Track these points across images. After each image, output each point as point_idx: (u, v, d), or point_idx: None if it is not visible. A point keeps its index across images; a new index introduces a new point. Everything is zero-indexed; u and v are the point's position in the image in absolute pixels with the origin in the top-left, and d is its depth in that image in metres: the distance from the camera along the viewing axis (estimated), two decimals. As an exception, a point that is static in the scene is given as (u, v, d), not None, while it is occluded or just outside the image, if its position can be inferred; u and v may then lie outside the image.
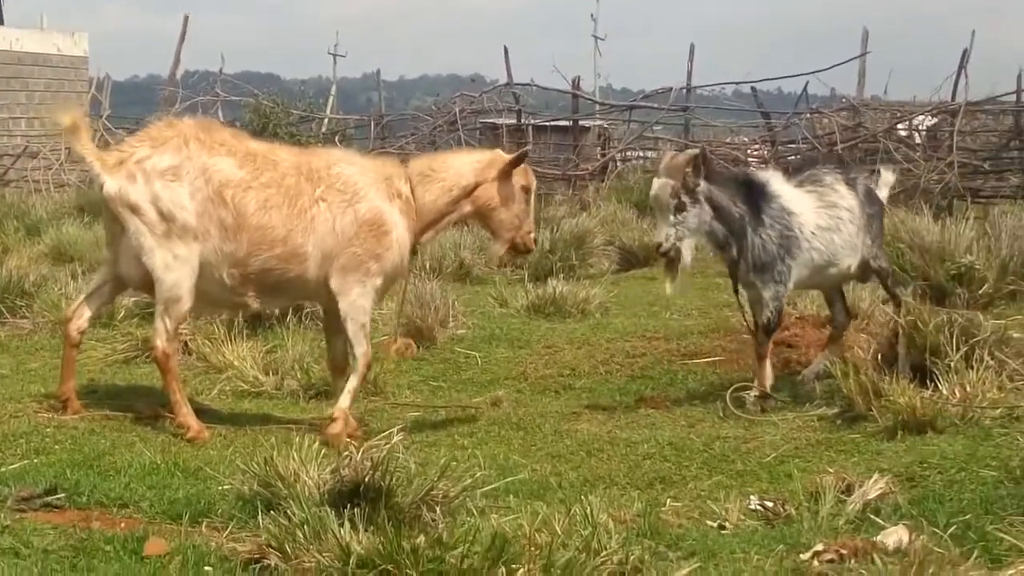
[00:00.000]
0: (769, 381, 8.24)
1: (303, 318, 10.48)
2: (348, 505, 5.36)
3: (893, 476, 6.20)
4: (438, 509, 5.62)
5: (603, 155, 27.10)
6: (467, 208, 8.11)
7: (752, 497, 6.24)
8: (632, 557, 5.01)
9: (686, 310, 11.75)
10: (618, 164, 26.47)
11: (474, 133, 26.76)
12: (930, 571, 4.74)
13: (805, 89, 26.20)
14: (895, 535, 5.28)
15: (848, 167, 9.21)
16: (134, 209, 7.43)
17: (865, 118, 24.01)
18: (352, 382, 7.78)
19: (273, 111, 27.13)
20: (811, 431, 7.53)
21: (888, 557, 5.07)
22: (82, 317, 7.89)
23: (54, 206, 20.44)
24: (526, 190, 8.19)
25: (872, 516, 5.69)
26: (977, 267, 10.67)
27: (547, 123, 27.76)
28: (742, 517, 5.99)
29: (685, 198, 8.03)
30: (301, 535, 5.07)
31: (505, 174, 8.04)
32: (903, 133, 24.11)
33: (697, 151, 8.32)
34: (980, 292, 10.49)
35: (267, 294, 7.80)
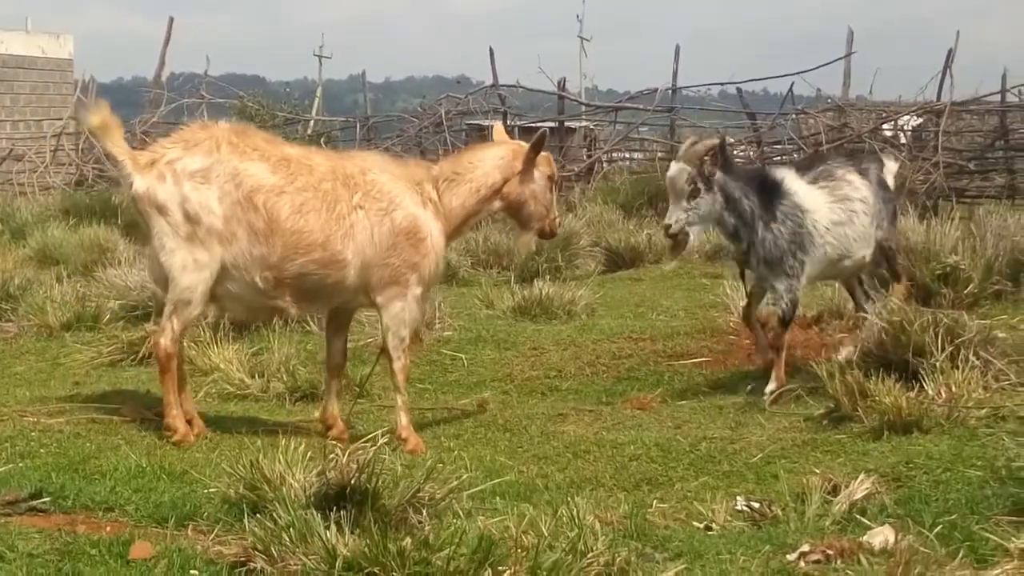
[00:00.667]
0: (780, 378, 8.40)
1: (289, 321, 10.47)
2: (334, 508, 5.34)
3: (879, 476, 6.21)
4: (424, 511, 5.60)
5: (589, 156, 27.10)
6: (496, 205, 8.12)
7: (739, 498, 6.24)
8: (619, 559, 5.00)
9: (672, 311, 11.76)
10: (604, 165, 26.47)
11: (460, 135, 26.76)
12: (916, 571, 4.76)
13: (791, 90, 26.21)
14: (881, 535, 5.28)
15: (859, 158, 9.30)
16: (161, 209, 7.39)
17: (851, 118, 24.03)
18: (398, 399, 7.74)
19: (258, 113, 27.12)
20: (797, 431, 7.53)
21: (874, 557, 5.08)
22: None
23: (39, 209, 20.43)
24: (551, 179, 8.20)
25: (858, 516, 5.70)
26: (962, 267, 10.66)
27: (533, 124, 27.75)
28: (728, 518, 5.99)
29: (700, 185, 8.24)
30: (287, 538, 5.05)
31: (530, 164, 8.03)
32: (888, 133, 24.13)
33: (717, 141, 8.46)
34: (965, 292, 10.49)
35: (304, 299, 7.69)
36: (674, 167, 8.34)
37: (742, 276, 8.87)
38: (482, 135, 26.50)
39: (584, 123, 29.26)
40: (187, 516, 5.87)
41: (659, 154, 26.32)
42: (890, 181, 9.21)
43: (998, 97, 23.99)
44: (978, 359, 7.61)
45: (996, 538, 5.01)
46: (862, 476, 6.14)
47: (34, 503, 6.01)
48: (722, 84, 26.95)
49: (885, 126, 24.21)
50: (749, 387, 8.62)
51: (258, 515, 5.38)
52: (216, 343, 9.53)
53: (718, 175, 8.26)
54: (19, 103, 29.27)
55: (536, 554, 4.80)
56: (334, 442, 6.94)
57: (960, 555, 5.00)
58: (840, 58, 26.25)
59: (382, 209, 7.62)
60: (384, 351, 7.81)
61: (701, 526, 5.92)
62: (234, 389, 8.91)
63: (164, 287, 7.63)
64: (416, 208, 7.72)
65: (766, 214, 8.35)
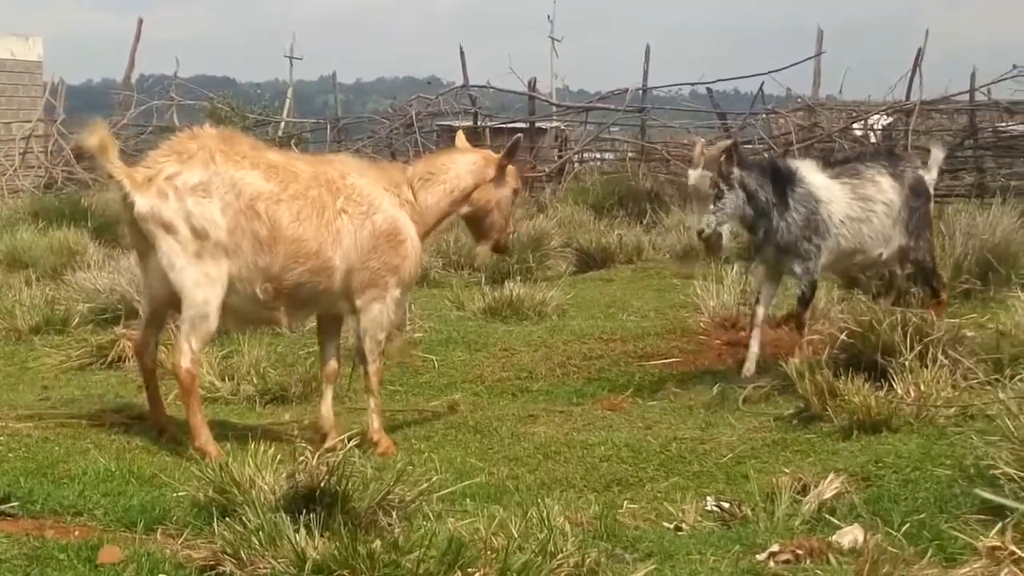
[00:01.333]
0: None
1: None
2: (304, 511, 5.33)
3: (848, 476, 6.22)
4: (394, 513, 5.59)
5: (560, 156, 27.11)
6: (465, 210, 8.13)
7: (709, 498, 6.26)
8: (588, 559, 5.00)
9: (643, 311, 11.77)
10: (575, 165, 26.50)
11: (431, 135, 26.74)
12: (885, 570, 4.77)
13: (761, 89, 26.24)
14: (850, 535, 5.30)
15: (898, 160, 9.43)
16: (168, 227, 7.20)
17: (821, 118, 24.11)
18: (371, 402, 7.74)
19: (228, 115, 27.02)
20: (767, 431, 7.55)
21: (843, 557, 5.11)
22: (149, 345, 7.69)
23: (8, 212, 20.30)
24: (515, 192, 8.29)
25: (827, 516, 5.72)
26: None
27: (504, 125, 27.74)
28: (699, 518, 6.00)
29: (723, 186, 8.52)
30: (256, 541, 5.03)
31: (502, 172, 8.10)
32: (859, 132, 24.20)
33: (729, 142, 8.81)
34: (935, 291, 10.54)
35: (297, 308, 7.64)
36: (694, 174, 8.62)
37: (751, 259, 9.13)
38: (453, 136, 26.54)
39: (555, 123, 29.27)
40: (156, 520, 5.83)
41: (630, 154, 26.37)
42: (934, 173, 9.57)
43: (967, 96, 24.05)
44: (947, 358, 7.64)
45: (965, 537, 5.02)
46: (831, 476, 6.15)
47: (2, 508, 5.95)
48: (692, 84, 27.03)
49: (855, 125, 24.28)
50: (717, 386, 8.63)
51: (227, 519, 5.36)
52: (186, 346, 9.49)
53: (735, 172, 8.55)
54: (-13, 106, 29.13)
55: (506, 555, 4.80)
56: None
57: (929, 554, 5.02)
58: (810, 58, 26.28)
59: (363, 213, 7.59)
60: (359, 354, 7.79)
61: (671, 526, 5.93)
62: (204, 392, 8.83)
63: (161, 303, 7.52)
64: (395, 210, 7.72)
65: (780, 203, 8.67)
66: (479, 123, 26.45)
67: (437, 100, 27.06)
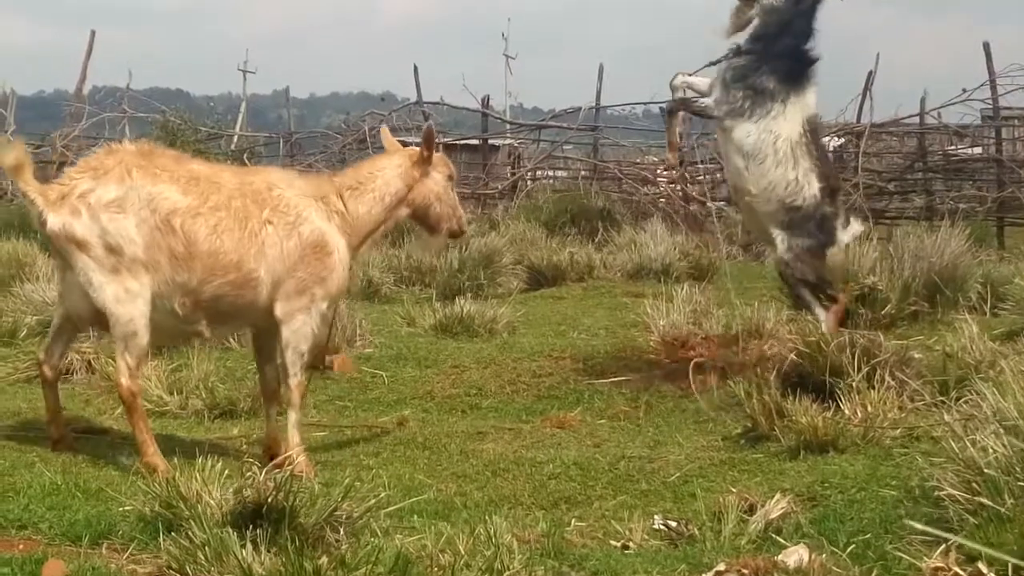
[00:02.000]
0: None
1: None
2: (251, 526, 5.32)
3: (795, 496, 6.25)
4: (342, 530, 5.58)
5: (513, 174, 27.20)
6: (403, 212, 8.09)
7: (656, 517, 6.27)
8: (535, 577, 5.02)
9: (593, 329, 11.81)
10: (528, 183, 26.58)
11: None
12: (829, 590, 4.80)
13: (713, 110, 26.30)
14: (796, 554, 5.31)
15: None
16: (81, 245, 7.12)
17: (771, 139, 24.19)
18: (292, 416, 7.56)
19: (181, 128, 26.92)
20: (715, 451, 7.58)
21: (789, 576, 5.12)
22: (54, 356, 7.62)
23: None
24: (450, 178, 8.25)
25: (774, 535, 5.74)
26: (880, 288, 10.80)
27: (457, 142, 27.77)
28: (646, 537, 6.02)
29: None
30: (202, 556, 5.02)
31: (426, 167, 8.06)
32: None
33: None
34: (883, 312, 10.63)
35: (219, 321, 7.54)
36: None
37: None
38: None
39: (508, 141, 29.36)
40: (102, 534, 5.79)
41: (583, 172, 26.45)
42: (846, 238, 9.56)
43: (917, 119, 24.27)
44: (894, 379, 7.69)
45: (909, 557, 5.05)
46: (778, 495, 6.18)
47: (-54, 521, 5.93)
48: (645, 104, 27.21)
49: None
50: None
51: (174, 533, 5.34)
52: (134, 359, 9.44)
53: None
54: (-63, 116, 28.94)
55: (453, 572, 4.82)
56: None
57: (873, 574, 5.05)
58: (762, 79, 26.41)
59: (290, 223, 7.50)
60: (282, 367, 7.65)
61: (618, 545, 5.94)
62: (152, 406, 8.79)
63: (80, 318, 7.48)
64: (322, 222, 7.64)
65: None
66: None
67: (390, 116, 27.06)
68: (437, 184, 8.12)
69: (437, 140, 8.24)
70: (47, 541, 5.78)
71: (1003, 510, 5.06)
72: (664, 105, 11.33)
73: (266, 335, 7.75)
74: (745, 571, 5.19)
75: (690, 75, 9.41)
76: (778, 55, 9.03)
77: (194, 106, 36.13)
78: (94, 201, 7.14)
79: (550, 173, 28.63)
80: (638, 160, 27.69)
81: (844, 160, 24.53)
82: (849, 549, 5.33)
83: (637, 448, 7.85)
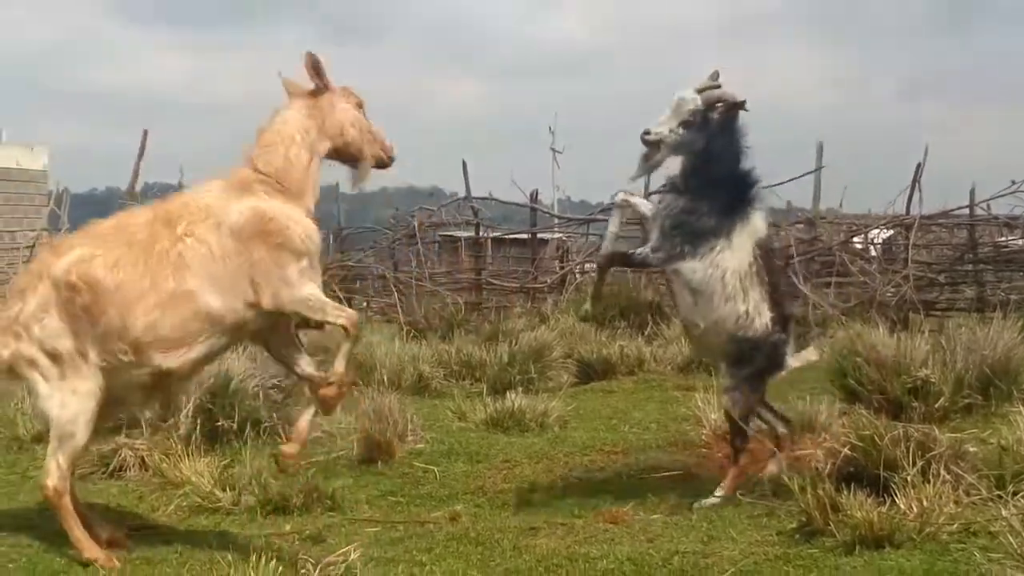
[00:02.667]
0: None
1: (261, 432, 10.45)
2: (305, 624, 5.33)
3: (852, 592, 6.21)
4: (396, 627, 5.58)
5: (562, 267, 27.24)
6: (325, 146, 7.84)
7: (711, 613, 6.23)
8: (591, 675, 4.99)
9: (644, 423, 11.77)
10: (577, 276, 26.58)
11: (434, 246, 26.88)
12: None
13: (762, 202, 26.34)
14: (854, 652, 5.28)
15: None
16: (31, 363, 7.25)
17: (821, 231, 24.23)
18: (345, 346, 7.41)
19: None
20: (769, 546, 7.52)
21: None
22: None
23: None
24: (360, 105, 8.02)
25: (831, 632, 5.69)
26: (933, 381, 10.75)
27: (506, 236, 27.89)
28: (701, 634, 5.98)
29: None
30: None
31: (327, 99, 7.85)
32: (859, 246, 24.32)
33: None
34: (936, 406, 10.56)
35: (176, 346, 7.27)
36: None
37: None
38: (454, 247, 26.64)
39: (557, 234, 29.44)
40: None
41: (631, 266, 26.44)
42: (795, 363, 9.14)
43: (966, 211, 24.22)
44: (949, 473, 7.62)
45: (968, 655, 5.01)
46: (834, 591, 6.14)
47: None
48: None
49: (855, 239, 24.42)
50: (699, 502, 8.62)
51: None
52: (188, 455, 9.49)
53: None
54: (-7, 214, 29.31)
55: (508, 671, 4.79)
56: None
57: (933, 672, 5.00)
58: (810, 172, 26.47)
59: (213, 224, 7.34)
60: (322, 326, 7.55)
61: (674, 642, 5.90)
62: (204, 502, 8.84)
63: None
64: (246, 201, 7.45)
65: None
66: (481, 234, 26.60)
67: (439, 211, 27.22)
68: (346, 112, 7.92)
69: (487, 235, 8.19)
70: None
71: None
72: (597, 260, 10.86)
73: (270, 334, 7.67)
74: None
75: (634, 196, 9.15)
76: (712, 187, 8.62)
77: (245, 201, 36.34)
78: (24, 317, 7.27)
79: (599, 266, 28.63)
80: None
81: (894, 252, 24.48)
82: (908, 646, 5.28)
83: (691, 543, 7.79)
